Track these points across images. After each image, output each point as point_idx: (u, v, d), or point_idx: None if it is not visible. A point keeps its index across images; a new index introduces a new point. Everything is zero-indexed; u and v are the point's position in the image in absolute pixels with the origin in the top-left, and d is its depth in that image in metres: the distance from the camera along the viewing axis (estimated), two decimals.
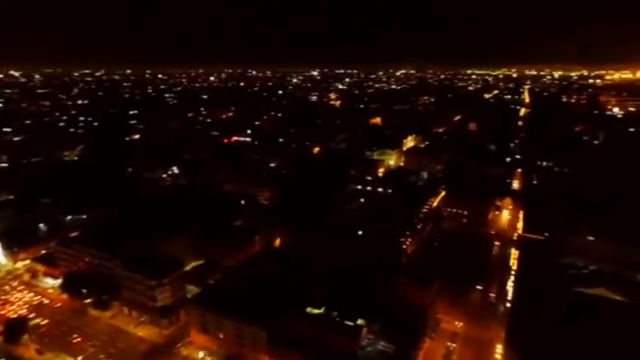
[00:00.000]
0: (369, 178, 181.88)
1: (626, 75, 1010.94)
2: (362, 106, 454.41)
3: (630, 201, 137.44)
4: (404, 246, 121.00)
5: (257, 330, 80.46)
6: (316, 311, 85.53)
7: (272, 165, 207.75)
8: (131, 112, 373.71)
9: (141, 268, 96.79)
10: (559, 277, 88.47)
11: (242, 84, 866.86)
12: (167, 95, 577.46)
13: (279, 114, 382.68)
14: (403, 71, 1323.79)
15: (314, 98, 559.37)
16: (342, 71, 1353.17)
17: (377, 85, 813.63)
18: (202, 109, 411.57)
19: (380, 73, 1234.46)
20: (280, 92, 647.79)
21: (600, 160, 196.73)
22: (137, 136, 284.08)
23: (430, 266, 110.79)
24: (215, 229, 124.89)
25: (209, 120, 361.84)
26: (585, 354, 63.44)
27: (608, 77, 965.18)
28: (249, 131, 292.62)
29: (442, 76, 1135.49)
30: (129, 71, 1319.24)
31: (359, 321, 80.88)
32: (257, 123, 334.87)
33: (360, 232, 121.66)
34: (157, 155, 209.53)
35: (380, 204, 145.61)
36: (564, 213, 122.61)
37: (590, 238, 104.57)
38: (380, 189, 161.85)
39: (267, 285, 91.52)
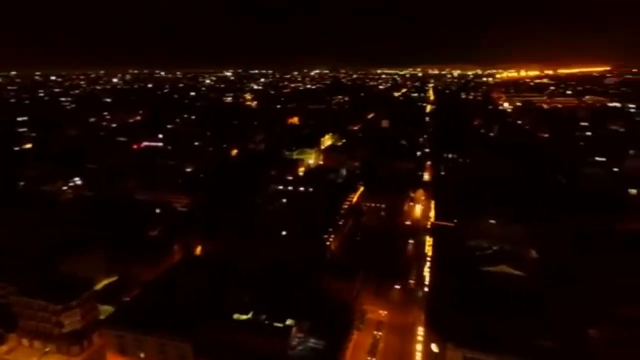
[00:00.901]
0: (290, 178, 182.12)
1: (512, 74, 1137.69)
2: (279, 106, 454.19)
3: (521, 186, 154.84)
4: (328, 243, 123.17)
5: (181, 343, 76.31)
6: (244, 317, 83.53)
7: (188, 170, 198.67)
8: (20, 119, 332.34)
9: (43, 292, 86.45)
10: (468, 258, 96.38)
11: (150, 85, 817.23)
12: (63, 99, 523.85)
13: (193, 117, 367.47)
14: (317, 71, 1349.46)
15: (229, 99, 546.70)
16: (256, 71, 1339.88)
17: (292, 85, 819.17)
18: (105, 113, 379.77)
19: (295, 73, 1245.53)
20: (192, 93, 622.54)
21: (495, 150, 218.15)
22: (29, 145, 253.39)
23: (354, 260, 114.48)
24: (128, 242, 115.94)
25: (114, 125, 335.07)
26: (492, 323, 69.98)
27: (498, 76, 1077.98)
28: (160, 135, 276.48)
29: (355, 76, 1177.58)
30: (13, 73, 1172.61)
31: (288, 321, 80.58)
32: (169, 127, 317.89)
33: (284, 233, 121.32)
34: (55, 166, 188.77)
35: (302, 203, 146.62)
36: (469, 200, 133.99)
37: (492, 221, 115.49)
38: (301, 188, 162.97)
39: (190, 296, 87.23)
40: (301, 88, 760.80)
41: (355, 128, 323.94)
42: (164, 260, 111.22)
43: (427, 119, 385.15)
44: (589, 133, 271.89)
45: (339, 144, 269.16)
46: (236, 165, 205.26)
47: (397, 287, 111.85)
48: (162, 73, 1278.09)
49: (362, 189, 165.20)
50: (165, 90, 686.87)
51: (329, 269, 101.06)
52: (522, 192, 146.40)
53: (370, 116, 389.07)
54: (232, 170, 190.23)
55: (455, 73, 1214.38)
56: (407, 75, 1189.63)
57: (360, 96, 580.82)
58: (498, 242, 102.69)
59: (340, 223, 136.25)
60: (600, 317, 70.84)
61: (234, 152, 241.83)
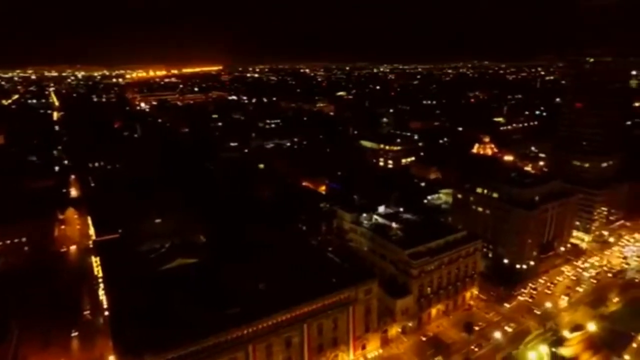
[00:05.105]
0: None
1: (141, 74, 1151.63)
2: None
3: (175, 179, 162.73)
4: None
5: None
6: None
7: None
8: None
9: None
10: (142, 264, 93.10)
11: None
12: None
13: None
14: None
15: None
16: None
17: None
18: None
19: None
20: None
21: (143, 149, 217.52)
22: None
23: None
24: None
25: None
26: (181, 316, 71.74)
27: (128, 76, 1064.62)
28: None
29: None
30: None
31: None
32: None
33: None
34: None
35: None
36: (129, 206, 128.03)
37: (158, 220, 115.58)
38: None
39: None
40: None
41: None
42: None
43: (57, 127, 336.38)
44: (220, 123, 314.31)
45: None
46: None
47: (71, 325, 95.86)
48: None
49: None
50: None
51: None
52: (178, 184, 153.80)
53: None
54: None
55: (80, 75, 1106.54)
56: (17, 79, 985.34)
57: None
58: (169, 238, 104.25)
59: None
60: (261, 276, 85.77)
61: None
